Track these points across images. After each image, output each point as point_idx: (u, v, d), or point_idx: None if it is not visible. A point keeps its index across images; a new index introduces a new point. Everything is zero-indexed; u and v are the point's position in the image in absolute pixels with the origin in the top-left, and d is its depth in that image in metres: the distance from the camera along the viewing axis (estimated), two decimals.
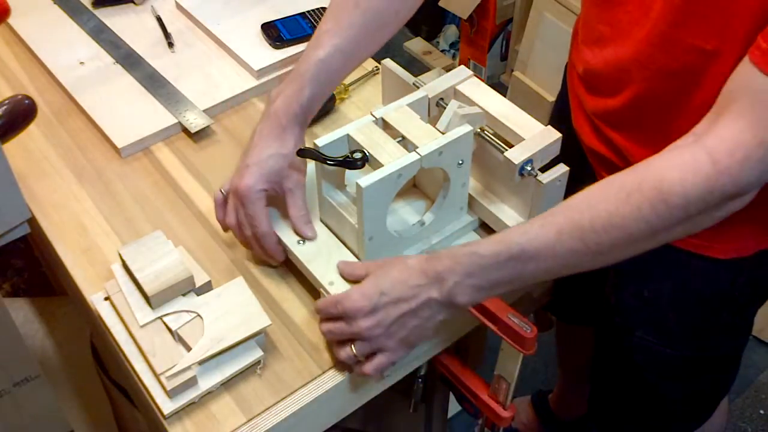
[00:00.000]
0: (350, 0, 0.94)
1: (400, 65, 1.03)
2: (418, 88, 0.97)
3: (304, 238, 0.93)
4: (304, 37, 1.23)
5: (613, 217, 0.73)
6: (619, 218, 0.72)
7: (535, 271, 0.77)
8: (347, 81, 1.20)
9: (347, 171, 0.91)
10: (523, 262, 0.76)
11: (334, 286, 0.87)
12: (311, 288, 0.92)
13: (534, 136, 0.89)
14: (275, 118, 0.92)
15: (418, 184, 1.02)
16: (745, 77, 0.71)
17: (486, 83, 0.97)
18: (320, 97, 0.94)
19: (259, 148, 0.91)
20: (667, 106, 0.89)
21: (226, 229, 0.96)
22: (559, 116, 1.14)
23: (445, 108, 0.92)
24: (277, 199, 0.95)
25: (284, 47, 1.23)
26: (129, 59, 1.24)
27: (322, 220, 0.96)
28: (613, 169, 1.00)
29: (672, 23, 0.82)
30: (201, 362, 0.84)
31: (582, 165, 1.04)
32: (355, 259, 0.90)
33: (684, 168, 0.71)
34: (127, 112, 1.15)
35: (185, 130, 1.14)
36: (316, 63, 0.92)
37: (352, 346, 0.82)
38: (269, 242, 0.92)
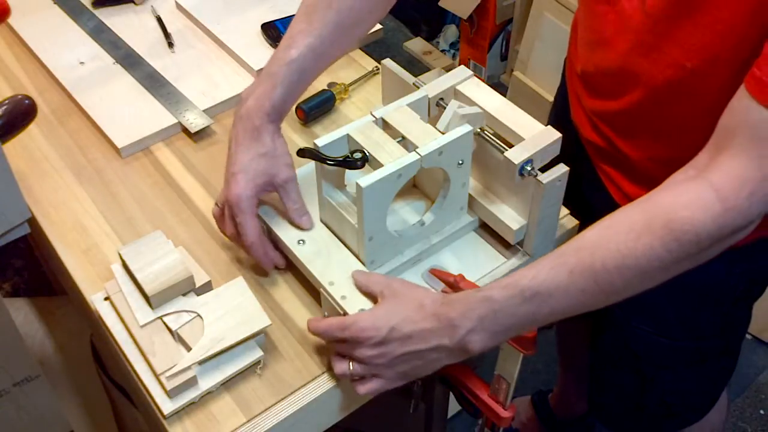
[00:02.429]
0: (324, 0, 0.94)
1: (400, 65, 1.03)
2: (418, 88, 0.97)
3: (303, 229, 0.93)
4: None
5: (625, 258, 0.73)
6: (631, 259, 0.73)
7: (550, 313, 0.77)
8: (347, 81, 1.20)
9: (347, 171, 0.91)
10: (537, 305, 0.76)
11: (335, 286, 0.87)
12: (311, 288, 0.92)
13: (534, 136, 0.89)
14: (247, 119, 0.91)
15: (418, 184, 1.02)
16: (743, 110, 0.71)
17: (486, 83, 0.97)
18: (292, 96, 0.94)
19: (239, 154, 0.91)
20: (657, 118, 0.90)
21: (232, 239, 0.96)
22: (559, 109, 1.15)
23: (445, 108, 0.92)
24: (276, 200, 0.95)
25: None
26: (129, 59, 1.24)
27: (322, 220, 0.96)
28: (609, 159, 1.01)
29: (655, 34, 0.82)
30: (201, 362, 0.84)
31: (581, 158, 1.04)
32: (356, 260, 0.90)
33: (692, 206, 0.72)
34: (127, 112, 1.15)
35: (185, 130, 1.14)
36: (288, 63, 0.92)
37: (351, 363, 0.82)
38: (256, 252, 0.92)
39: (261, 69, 1.19)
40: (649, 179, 0.96)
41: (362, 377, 0.83)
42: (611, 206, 1.01)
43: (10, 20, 1.24)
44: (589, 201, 1.05)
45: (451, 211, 0.95)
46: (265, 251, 0.92)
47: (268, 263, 0.94)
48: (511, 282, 0.77)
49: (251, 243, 0.91)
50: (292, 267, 0.95)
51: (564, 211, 1.01)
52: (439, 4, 2.58)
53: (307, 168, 1.03)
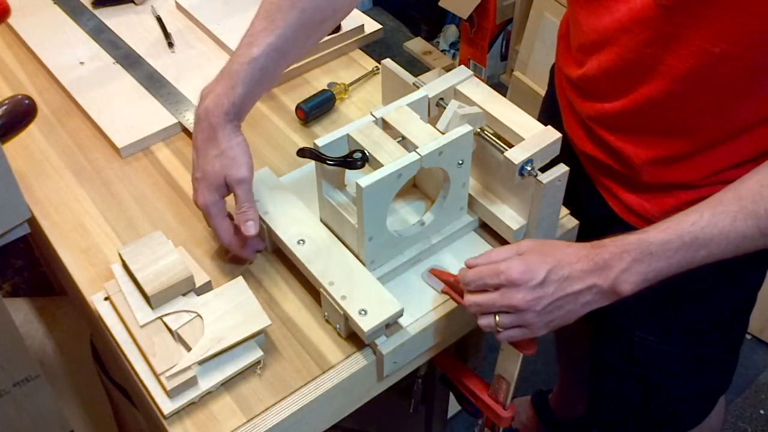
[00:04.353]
0: None
1: (400, 65, 1.03)
2: (418, 88, 0.97)
3: (246, 234, 0.90)
4: None
5: None
6: None
7: (705, 257, 0.78)
8: (347, 81, 1.20)
9: (347, 171, 0.91)
10: (695, 250, 0.77)
11: (335, 286, 0.87)
12: (311, 288, 0.92)
13: (534, 136, 0.89)
14: (205, 119, 0.90)
15: (418, 184, 1.02)
16: None
17: (486, 83, 0.96)
18: (253, 95, 0.93)
19: (199, 158, 0.91)
20: (674, 110, 0.88)
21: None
22: (547, 118, 1.13)
23: (445, 108, 0.92)
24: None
25: None
26: (129, 59, 1.24)
27: (322, 220, 0.96)
28: (608, 171, 1.00)
29: (675, 24, 0.82)
30: (201, 362, 0.84)
31: (577, 171, 1.04)
32: (356, 260, 0.90)
33: None
34: (127, 112, 1.15)
35: (185, 130, 1.14)
36: (249, 61, 0.91)
37: (496, 316, 0.80)
38: (235, 250, 0.93)
39: None
40: (650, 186, 0.96)
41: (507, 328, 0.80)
42: (612, 219, 1.02)
43: (10, 20, 1.24)
44: (587, 212, 1.05)
45: (451, 211, 0.95)
46: (243, 245, 0.93)
47: (250, 255, 0.95)
48: (668, 226, 0.78)
49: (227, 244, 0.92)
50: (292, 267, 0.95)
51: (564, 211, 1.01)
52: (439, 4, 2.58)
53: (307, 168, 1.04)
